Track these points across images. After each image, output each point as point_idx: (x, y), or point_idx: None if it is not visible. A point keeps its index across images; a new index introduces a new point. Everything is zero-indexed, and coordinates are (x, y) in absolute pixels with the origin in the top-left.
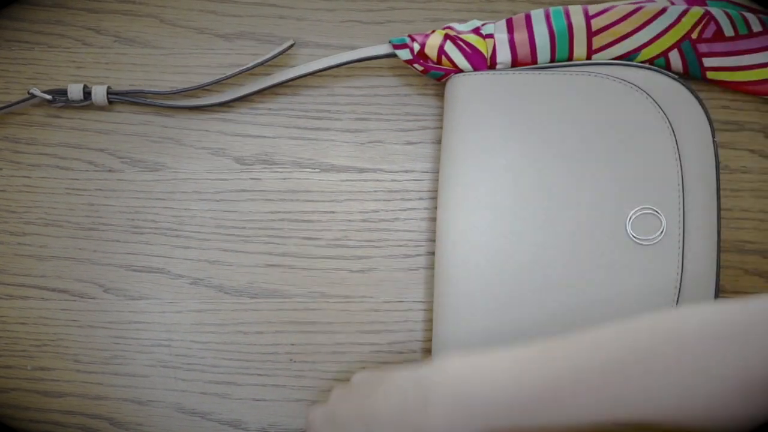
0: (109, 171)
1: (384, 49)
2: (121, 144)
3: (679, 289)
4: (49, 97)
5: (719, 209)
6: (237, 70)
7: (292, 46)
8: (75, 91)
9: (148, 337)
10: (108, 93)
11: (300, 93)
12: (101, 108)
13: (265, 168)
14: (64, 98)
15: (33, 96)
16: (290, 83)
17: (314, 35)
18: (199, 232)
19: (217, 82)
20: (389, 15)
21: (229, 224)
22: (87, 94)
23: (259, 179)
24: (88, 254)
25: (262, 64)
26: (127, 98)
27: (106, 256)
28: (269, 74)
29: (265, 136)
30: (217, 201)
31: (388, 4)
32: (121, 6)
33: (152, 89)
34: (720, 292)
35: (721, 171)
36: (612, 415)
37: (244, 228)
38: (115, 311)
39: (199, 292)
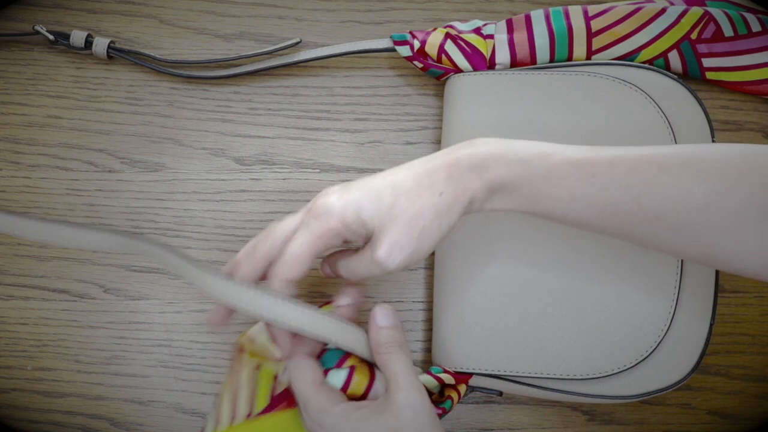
0: (109, 171)
1: (384, 43)
2: (121, 144)
3: (679, 289)
4: (51, 37)
5: None
6: (241, 54)
7: (298, 43)
8: (78, 37)
9: (149, 337)
10: (109, 47)
11: (299, 93)
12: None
13: (264, 168)
14: (66, 42)
15: (37, 32)
16: (290, 83)
17: (313, 35)
18: (198, 232)
19: (217, 62)
20: (388, 15)
21: (228, 224)
22: (89, 43)
23: (259, 179)
24: (88, 255)
25: (267, 53)
26: (128, 56)
27: (106, 256)
28: (270, 59)
29: (264, 137)
30: (217, 201)
31: (387, 4)
32: (121, 7)
33: (153, 54)
34: (720, 292)
35: None
36: (637, 205)
37: (244, 228)
38: (116, 311)
39: (199, 292)
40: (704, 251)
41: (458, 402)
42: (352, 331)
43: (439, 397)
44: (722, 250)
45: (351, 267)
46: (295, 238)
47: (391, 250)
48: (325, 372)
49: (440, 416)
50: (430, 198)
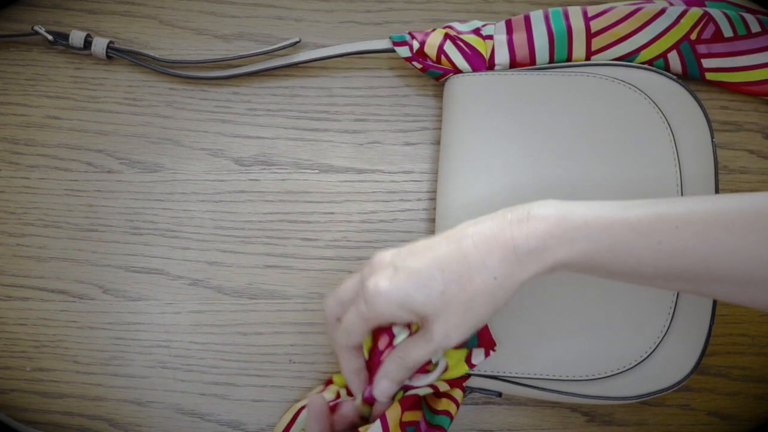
0: (108, 172)
1: (383, 44)
2: (120, 145)
3: None
4: (50, 37)
5: None
6: (240, 54)
7: (297, 42)
8: (77, 37)
9: (148, 338)
10: (108, 47)
11: (299, 94)
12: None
13: (263, 169)
14: (65, 42)
15: (36, 33)
16: (289, 84)
17: (313, 36)
18: (198, 233)
19: (216, 62)
20: (387, 16)
21: (227, 225)
22: (88, 43)
23: (258, 180)
24: (87, 255)
25: (266, 53)
26: (127, 57)
27: (105, 257)
28: (269, 59)
29: (263, 137)
30: (216, 202)
31: (386, 5)
32: (120, 7)
33: (152, 54)
34: None
35: (720, 171)
36: (706, 268)
37: (243, 229)
38: (115, 312)
39: (198, 293)
40: None
41: (457, 411)
42: None
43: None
44: None
45: (408, 354)
46: (347, 317)
47: (447, 333)
48: None
49: None
50: (483, 283)
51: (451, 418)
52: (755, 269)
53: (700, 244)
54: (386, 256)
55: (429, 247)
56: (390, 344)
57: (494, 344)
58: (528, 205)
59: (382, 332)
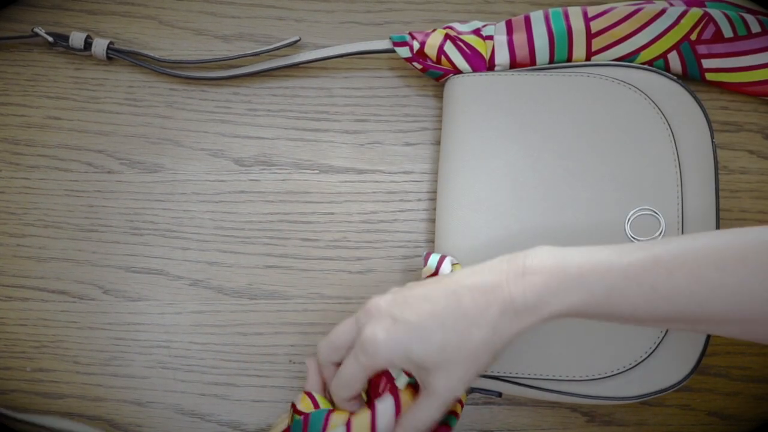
0: (109, 172)
1: (384, 44)
2: (120, 145)
3: None
4: (50, 39)
5: (718, 210)
6: (240, 53)
7: (297, 41)
8: (77, 38)
9: (148, 338)
10: (108, 48)
11: (299, 94)
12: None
13: (264, 169)
14: (65, 44)
15: (36, 34)
16: (289, 84)
17: (313, 36)
18: (198, 233)
19: (216, 62)
20: (387, 16)
21: (228, 225)
22: (88, 44)
23: (258, 180)
24: (87, 256)
25: (266, 52)
26: (127, 57)
27: (106, 257)
28: (269, 60)
29: (263, 138)
30: (216, 202)
31: (386, 5)
32: (120, 8)
33: (152, 54)
34: None
35: (720, 172)
36: (701, 309)
37: (243, 229)
38: (115, 313)
39: (199, 293)
40: None
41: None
42: None
43: None
44: None
45: (421, 419)
46: (345, 366)
47: (452, 386)
48: None
49: None
50: (482, 336)
51: (457, 417)
52: (747, 304)
53: (693, 285)
54: (382, 303)
55: (427, 299)
56: (390, 383)
57: None
58: (523, 254)
59: (380, 376)
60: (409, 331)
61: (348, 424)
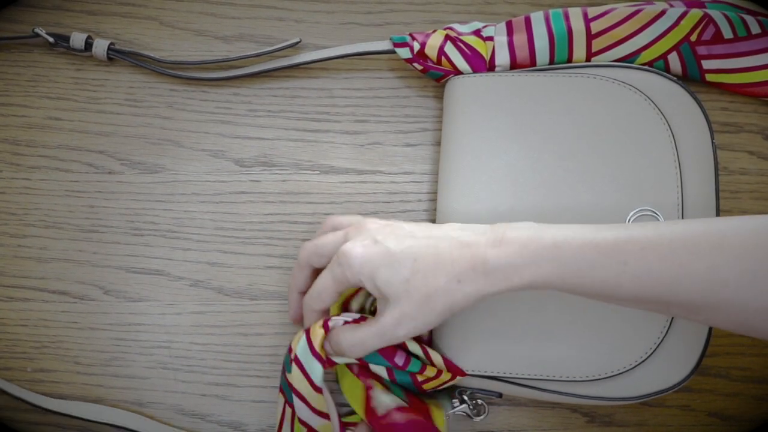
0: (109, 173)
1: (384, 45)
2: (121, 146)
3: None
4: (51, 39)
5: (718, 211)
6: (241, 54)
7: (298, 42)
8: (78, 39)
9: (148, 338)
10: (109, 49)
11: (299, 95)
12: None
13: (264, 170)
14: (66, 44)
15: (36, 35)
16: (289, 85)
17: (313, 37)
18: (198, 234)
19: (217, 62)
20: (388, 17)
21: (228, 226)
22: (89, 45)
23: (259, 181)
24: (88, 256)
25: (267, 53)
26: (128, 58)
27: (106, 258)
28: (269, 60)
29: (264, 138)
30: (217, 203)
31: (386, 6)
32: (120, 8)
33: (153, 55)
34: None
35: (720, 173)
36: (669, 291)
37: (244, 230)
38: (115, 313)
39: (199, 293)
40: (741, 324)
41: (448, 383)
42: None
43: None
44: (761, 322)
45: (357, 337)
46: (320, 277)
47: (399, 320)
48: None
49: None
50: (448, 283)
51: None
52: (717, 291)
53: (664, 265)
54: (372, 225)
55: (411, 236)
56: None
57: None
58: (507, 225)
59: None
60: (383, 256)
61: (307, 331)
